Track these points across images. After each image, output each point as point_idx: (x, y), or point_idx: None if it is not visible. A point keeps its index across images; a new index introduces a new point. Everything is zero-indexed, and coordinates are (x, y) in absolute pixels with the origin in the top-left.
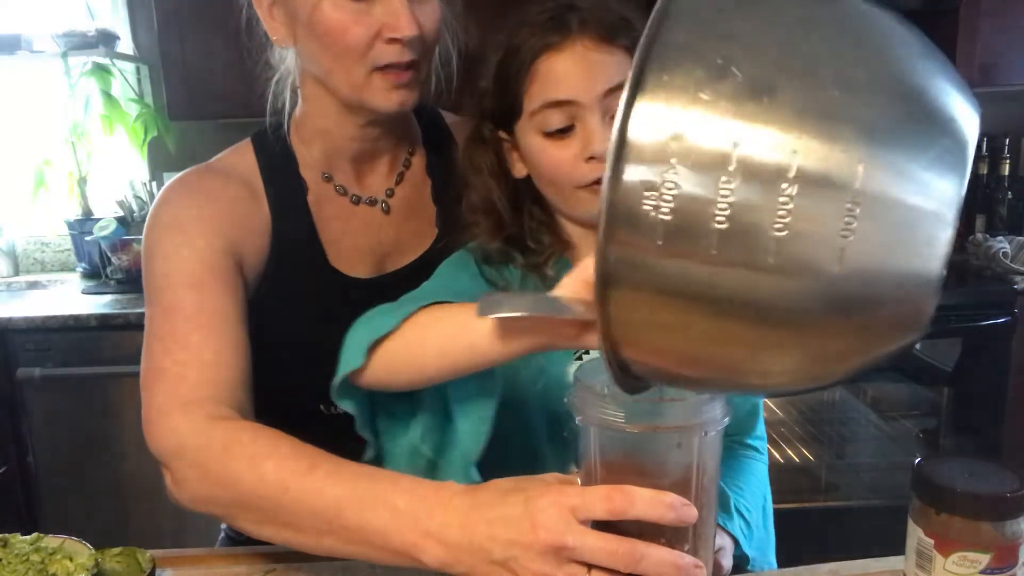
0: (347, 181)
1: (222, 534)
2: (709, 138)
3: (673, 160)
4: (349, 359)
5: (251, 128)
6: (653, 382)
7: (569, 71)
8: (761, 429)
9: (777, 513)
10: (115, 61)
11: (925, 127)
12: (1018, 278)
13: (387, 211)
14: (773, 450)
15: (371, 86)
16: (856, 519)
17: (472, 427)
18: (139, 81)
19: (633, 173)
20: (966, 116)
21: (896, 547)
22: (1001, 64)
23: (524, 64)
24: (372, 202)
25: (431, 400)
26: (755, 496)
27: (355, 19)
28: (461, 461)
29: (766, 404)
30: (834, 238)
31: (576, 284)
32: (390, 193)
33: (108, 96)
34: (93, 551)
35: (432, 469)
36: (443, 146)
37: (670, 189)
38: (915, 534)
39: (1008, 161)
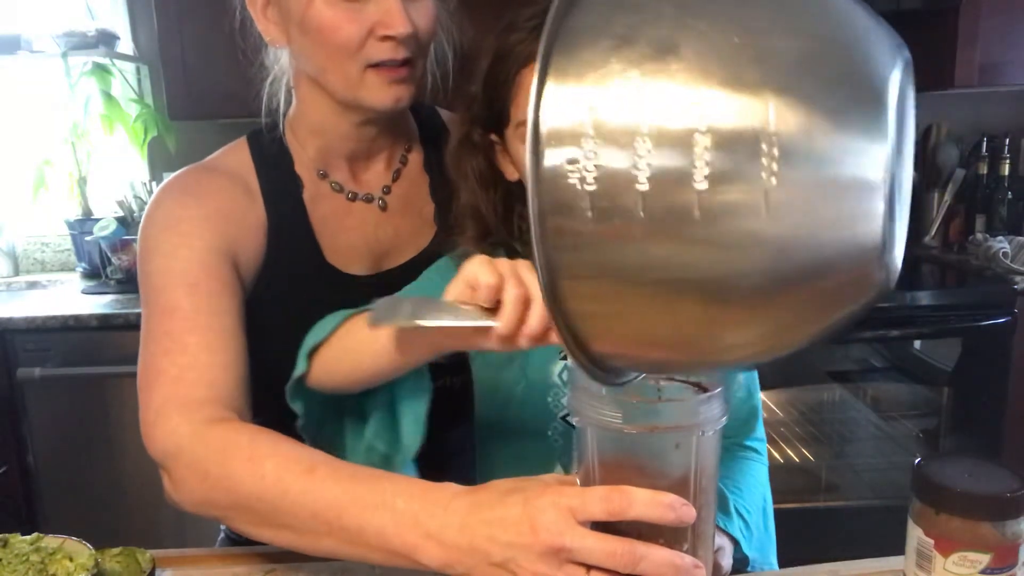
0: (343, 178)
1: (222, 534)
2: (620, 106)
3: (590, 132)
4: (299, 363)
5: (251, 128)
6: (623, 371)
7: None
8: (760, 431)
9: (777, 513)
10: (115, 61)
11: (832, 66)
12: (1018, 278)
13: (384, 208)
14: (773, 450)
15: (365, 83)
16: (856, 519)
17: (409, 425)
18: (139, 81)
19: (553, 156)
20: (883, 56)
21: (896, 547)
22: (1001, 64)
23: (510, 74)
24: (369, 199)
25: (383, 399)
26: (754, 497)
27: (348, 17)
28: (403, 458)
29: (766, 404)
30: (756, 186)
31: (460, 287)
32: (387, 190)
33: (108, 96)
34: (93, 551)
35: (387, 464)
36: (440, 143)
37: (591, 162)
38: (915, 534)
39: (1008, 161)
